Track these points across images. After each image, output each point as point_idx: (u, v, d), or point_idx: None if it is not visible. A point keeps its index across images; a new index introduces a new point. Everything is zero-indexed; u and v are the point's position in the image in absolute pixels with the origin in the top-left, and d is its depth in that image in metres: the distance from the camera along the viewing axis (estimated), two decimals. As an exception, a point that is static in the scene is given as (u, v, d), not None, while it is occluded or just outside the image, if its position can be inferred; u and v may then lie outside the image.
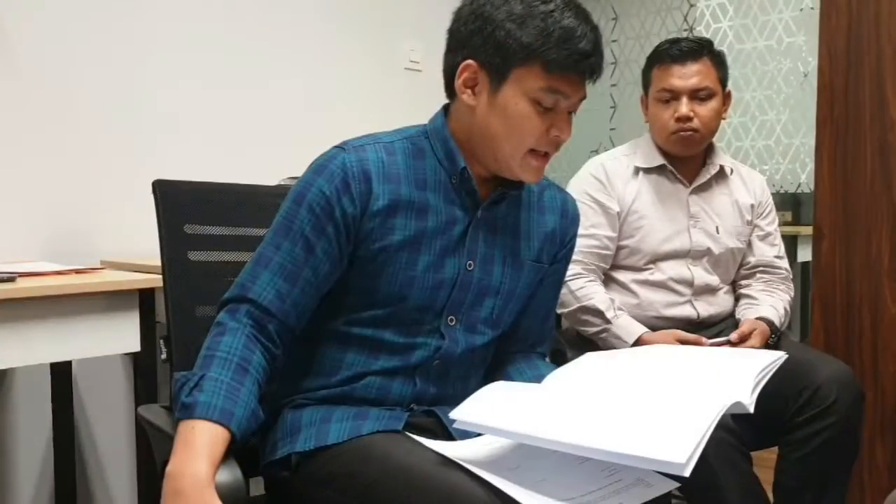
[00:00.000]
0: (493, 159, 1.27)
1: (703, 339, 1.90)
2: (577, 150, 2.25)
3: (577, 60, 1.20)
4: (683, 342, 1.86)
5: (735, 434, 1.59)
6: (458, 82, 1.25)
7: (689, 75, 1.98)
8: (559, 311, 2.01)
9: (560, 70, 1.20)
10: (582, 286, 1.98)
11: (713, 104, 2.01)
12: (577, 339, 2.07)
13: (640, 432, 1.01)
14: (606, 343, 1.95)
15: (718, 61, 2.03)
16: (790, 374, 1.74)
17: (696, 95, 1.98)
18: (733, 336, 1.87)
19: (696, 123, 1.98)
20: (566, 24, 1.19)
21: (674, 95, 1.99)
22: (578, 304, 1.98)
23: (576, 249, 1.95)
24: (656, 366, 1.45)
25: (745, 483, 1.60)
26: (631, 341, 1.91)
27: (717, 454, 1.54)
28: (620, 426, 1.04)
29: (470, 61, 1.24)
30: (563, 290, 1.95)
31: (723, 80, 2.04)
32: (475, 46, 1.23)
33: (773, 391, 1.66)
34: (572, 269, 1.97)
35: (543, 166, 1.29)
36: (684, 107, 1.97)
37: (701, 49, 2.00)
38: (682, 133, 1.99)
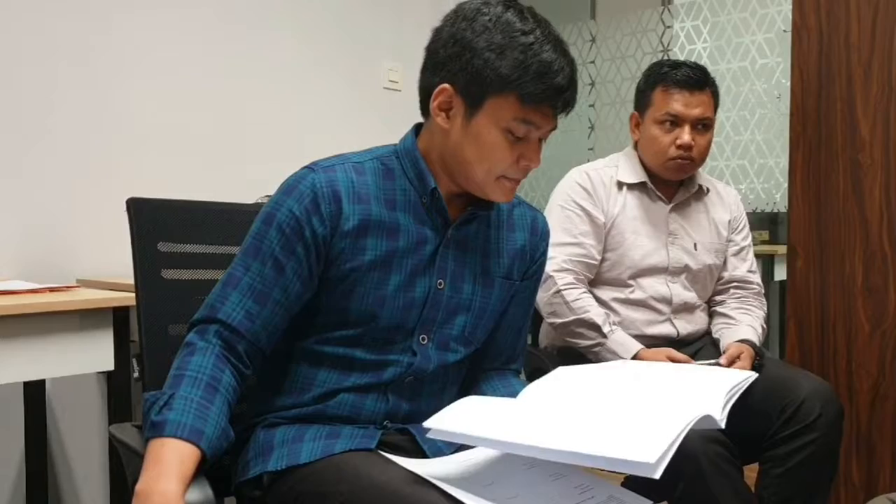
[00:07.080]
0: (465, 180, 1.29)
1: (692, 360, 1.90)
2: (556, 169, 2.26)
3: (552, 95, 1.21)
4: (674, 361, 1.86)
5: (728, 448, 1.60)
6: (433, 105, 1.26)
7: (694, 104, 2.00)
8: (551, 321, 2.01)
9: (534, 103, 1.21)
10: (577, 297, 1.97)
11: (710, 135, 2.05)
12: (557, 356, 2.07)
13: (611, 436, 1.02)
14: (599, 357, 1.94)
15: (716, 92, 2.06)
16: (772, 390, 1.76)
17: (698, 125, 2.01)
18: (722, 360, 1.87)
19: (694, 152, 2.01)
20: (544, 58, 1.20)
21: (676, 122, 2.00)
22: (574, 317, 1.96)
23: (566, 258, 1.98)
24: (629, 379, 1.46)
25: (740, 496, 1.60)
26: (629, 357, 1.90)
27: (711, 467, 1.55)
28: (592, 431, 1.05)
29: (446, 85, 1.24)
30: (557, 300, 1.97)
31: (716, 110, 2.07)
32: (452, 71, 1.24)
33: (756, 407, 1.69)
34: (565, 277, 1.98)
35: (515, 188, 1.31)
36: (686, 135, 1.99)
37: (706, 79, 2.03)
38: (679, 160, 2.01)
